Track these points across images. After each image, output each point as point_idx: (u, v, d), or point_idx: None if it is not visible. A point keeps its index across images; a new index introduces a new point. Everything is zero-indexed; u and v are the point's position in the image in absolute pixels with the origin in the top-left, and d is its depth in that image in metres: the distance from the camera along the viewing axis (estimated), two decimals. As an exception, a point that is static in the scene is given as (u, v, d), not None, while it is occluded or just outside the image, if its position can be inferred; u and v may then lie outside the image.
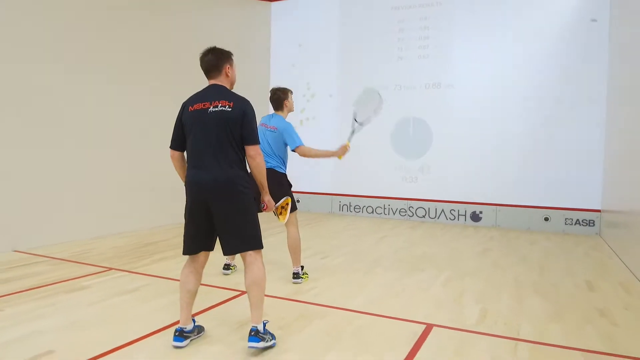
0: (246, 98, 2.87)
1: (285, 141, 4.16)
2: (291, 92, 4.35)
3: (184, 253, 2.90)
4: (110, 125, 6.46)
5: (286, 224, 4.20)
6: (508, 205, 7.89)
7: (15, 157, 5.35)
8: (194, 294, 2.92)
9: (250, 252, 2.80)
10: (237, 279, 4.34)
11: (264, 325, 2.78)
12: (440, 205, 8.36)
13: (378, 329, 3.22)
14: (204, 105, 2.77)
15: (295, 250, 4.26)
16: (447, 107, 8.24)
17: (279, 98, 4.22)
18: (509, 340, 3.05)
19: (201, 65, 2.91)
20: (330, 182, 9.26)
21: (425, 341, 2.99)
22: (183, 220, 2.91)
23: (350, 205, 9.09)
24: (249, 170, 2.89)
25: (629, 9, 5.67)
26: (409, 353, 2.80)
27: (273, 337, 2.82)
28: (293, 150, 4.18)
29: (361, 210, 8.98)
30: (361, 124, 4.39)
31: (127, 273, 4.52)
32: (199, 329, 2.99)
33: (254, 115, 2.84)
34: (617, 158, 6.16)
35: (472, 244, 6.38)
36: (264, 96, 9.69)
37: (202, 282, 3.97)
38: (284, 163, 4.27)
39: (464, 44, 8.12)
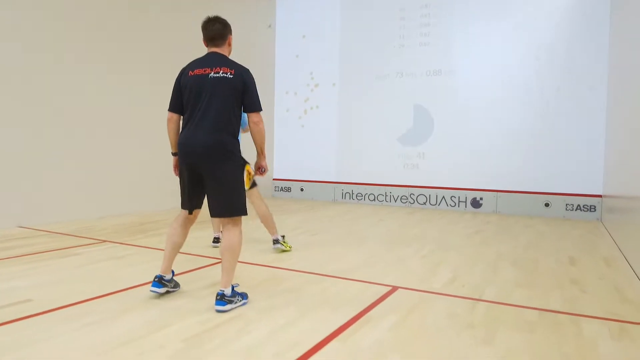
0: (246, 67, 2.96)
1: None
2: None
3: (182, 207, 3.06)
4: (116, 112, 6.71)
5: (252, 200, 4.27)
6: (508, 191, 7.86)
7: (23, 141, 5.64)
8: (178, 247, 3.10)
9: (230, 219, 2.90)
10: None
11: (233, 288, 2.85)
12: (441, 192, 8.37)
13: (343, 289, 3.32)
14: (204, 71, 2.85)
15: (267, 221, 4.38)
16: (448, 94, 8.26)
17: None
18: (469, 300, 3.11)
19: (206, 33, 2.96)
20: (333, 170, 9.36)
21: (385, 299, 3.08)
22: (178, 206, 3.07)
23: (352, 193, 9.17)
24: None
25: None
26: (365, 308, 2.89)
27: (244, 297, 2.94)
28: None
29: (363, 197, 9.06)
30: None
31: (119, 244, 4.73)
32: (175, 284, 3.15)
33: (255, 83, 2.94)
34: (617, 142, 6.07)
35: (466, 227, 6.40)
36: (270, 86, 9.89)
37: (187, 252, 4.17)
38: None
39: (465, 31, 8.12)
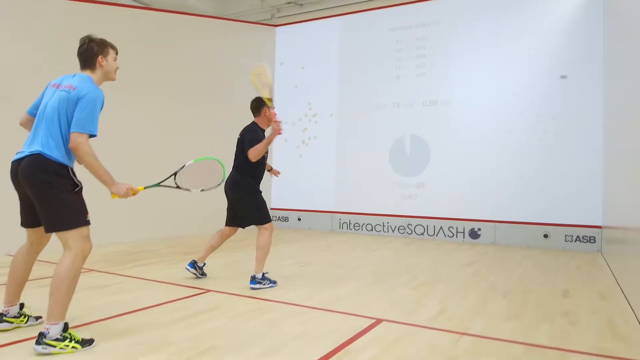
0: None
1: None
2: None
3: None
4: (111, 140, 6.75)
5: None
6: (507, 222, 7.75)
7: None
8: (214, 249, 4.42)
9: (259, 226, 4.19)
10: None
11: (263, 274, 4.06)
12: (438, 223, 8.27)
13: (325, 322, 3.22)
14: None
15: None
16: (445, 124, 8.26)
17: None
18: (454, 334, 3.01)
19: None
20: (331, 200, 9.31)
21: (367, 332, 2.98)
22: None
23: (350, 223, 9.09)
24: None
25: (622, 26, 5.64)
26: (345, 341, 2.80)
27: (272, 282, 4.11)
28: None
29: (360, 227, 8.97)
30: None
31: (105, 274, 4.67)
32: (202, 271, 4.41)
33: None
34: (616, 173, 6.00)
35: (462, 257, 6.28)
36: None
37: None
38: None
39: (460, 61, 8.20)
